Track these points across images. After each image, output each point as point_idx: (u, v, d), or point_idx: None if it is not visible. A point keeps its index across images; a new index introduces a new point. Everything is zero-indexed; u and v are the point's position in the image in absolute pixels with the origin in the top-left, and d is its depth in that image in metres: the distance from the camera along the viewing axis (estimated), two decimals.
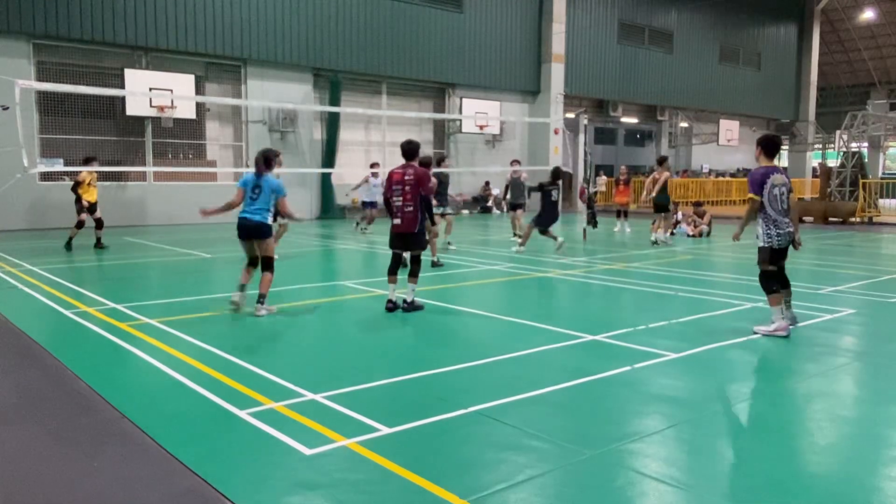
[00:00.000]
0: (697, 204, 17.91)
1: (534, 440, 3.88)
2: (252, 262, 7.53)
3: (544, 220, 12.67)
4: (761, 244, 6.48)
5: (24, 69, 16.99)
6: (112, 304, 7.66)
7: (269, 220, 7.44)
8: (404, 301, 7.46)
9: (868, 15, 40.49)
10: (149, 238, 15.61)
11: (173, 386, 4.88)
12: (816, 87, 39.89)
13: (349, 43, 22.21)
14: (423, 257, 7.81)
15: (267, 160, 7.44)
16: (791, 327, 6.50)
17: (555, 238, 12.74)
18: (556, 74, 26.95)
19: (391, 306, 7.44)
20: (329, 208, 22.22)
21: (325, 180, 22.18)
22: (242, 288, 7.40)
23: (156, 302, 8.02)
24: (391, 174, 7.47)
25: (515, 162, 15.77)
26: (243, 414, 4.24)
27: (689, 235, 16.44)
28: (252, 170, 7.54)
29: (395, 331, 6.84)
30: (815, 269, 11.47)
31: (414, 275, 7.52)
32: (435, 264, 10.67)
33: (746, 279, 9.51)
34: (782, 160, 45.20)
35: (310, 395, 4.57)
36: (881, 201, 23.40)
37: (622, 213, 17.91)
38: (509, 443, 3.85)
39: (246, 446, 3.83)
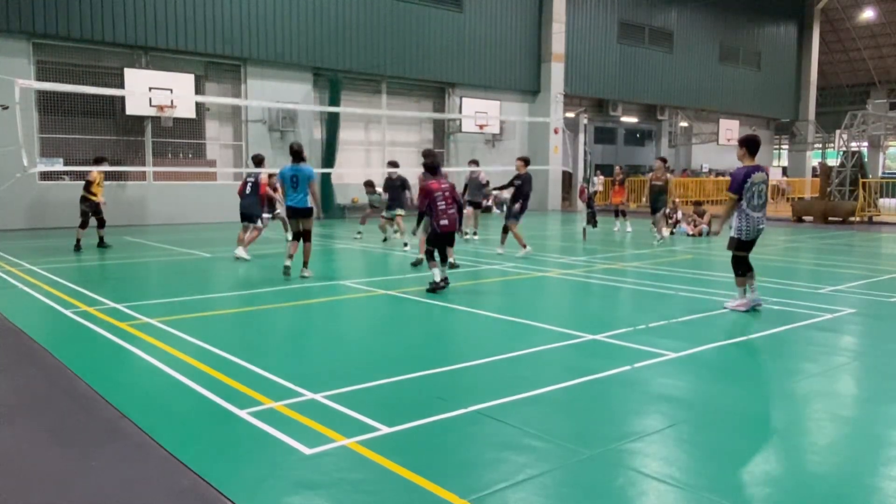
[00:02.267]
0: (697, 203, 17.92)
1: (534, 440, 3.88)
2: (296, 237, 9.64)
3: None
4: (733, 234, 7.39)
5: (23, 68, 16.99)
6: (112, 304, 7.66)
7: (310, 203, 9.47)
8: (451, 264, 8.80)
9: (868, 14, 40.50)
10: (149, 237, 15.61)
11: (173, 385, 4.88)
12: (816, 86, 39.89)
13: (349, 42, 22.21)
14: (406, 254, 8.66)
15: (300, 152, 9.63)
16: (758, 307, 7.43)
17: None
18: (556, 74, 26.95)
19: (444, 284, 8.40)
20: (329, 208, 22.22)
21: (325, 180, 22.16)
22: (291, 257, 9.58)
23: (156, 301, 8.02)
24: (430, 185, 8.59)
25: (473, 162, 16.34)
26: (243, 413, 4.24)
27: (688, 235, 16.45)
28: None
29: (395, 330, 6.84)
30: (814, 269, 11.48)
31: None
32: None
33: None
34: (782, 159, 45.31)
35: (309, 395, 4.57)
36: (881, 201, 23.39)
37: (620, 212, 17.95)
38: (509, 442, 3.85)
39: (246, 446, 3.83)
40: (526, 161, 12.61)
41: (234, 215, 14.25)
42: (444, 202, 8.45)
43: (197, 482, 3.36)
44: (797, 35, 38.37)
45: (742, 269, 7.41)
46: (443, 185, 8.57)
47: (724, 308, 7.54)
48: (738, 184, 7.17)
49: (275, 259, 11.72)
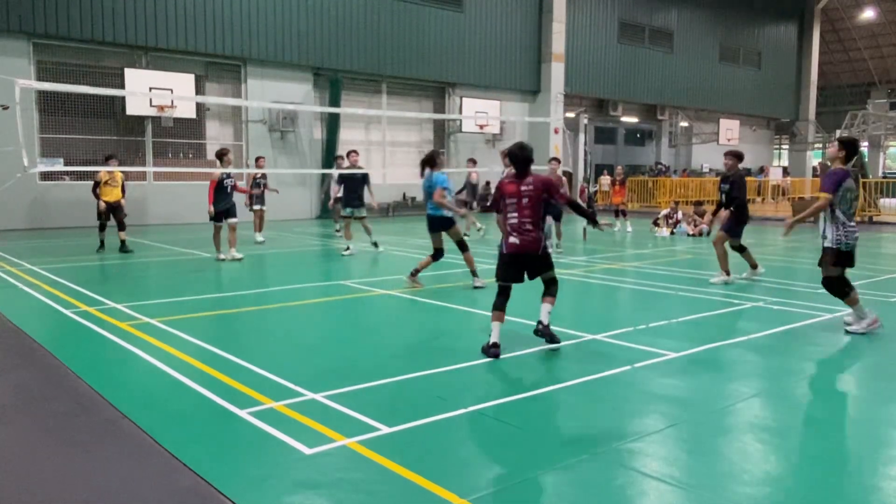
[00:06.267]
0: (697, 203, 17.92)
1: (533, 439, 3.88)
2: (436, 255, 8.78)
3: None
4: (828, 244, 6.31)
5: (24, 68, 16.99)
6: (112, 304, 7.66)
7: (447, 213, 8.61)
8: (540, 323, 5.81)
9: (868, 14, 40.50)
10: (149, 237, 15.61)
11: (173, 385, 4.88)
12: (816, 86, 39.86)
13: (349, 42, 22.21)
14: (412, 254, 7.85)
15: (431, 160, 8.67)
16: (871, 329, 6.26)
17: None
18: (557, 74, 26.94)
19: (497, 351, 5.58)
20: (329, 208, 22.21)
21: (325, 180, 22.17)
22: (416, 272, 8.74)
23: (156, 301, 8.02)
24: (504, 184, 5.94)
25: (471, 161, 17.44)
26: (243, 413, 4.24)
27: (689, 235, 16.45)
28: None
29: (395, 330, 6.84)
30: (814, 268, 11.44)
31: (553, 294, 6.01)
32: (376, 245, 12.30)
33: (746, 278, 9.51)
34: (783, 159, 45.29)
35: (310, 395, 4.57)
36: (881, 201, 23.36)
37: (620, 212, 17.95)
38: (509, 442, 3.85)
39: (246, 445, 3.83)
40: (736, 156, 9.33)
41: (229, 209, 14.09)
42: (515, 212, 5.71)
43: (197, 482, 3.36)
44: (797, 35, 38.35)
45: (847, 286, 6.36)
46: (522, 189, 5.72)
47: (847, 334, 6.40)
48: (836, 183, 6.09)
49: (274, 258, 11.70)
